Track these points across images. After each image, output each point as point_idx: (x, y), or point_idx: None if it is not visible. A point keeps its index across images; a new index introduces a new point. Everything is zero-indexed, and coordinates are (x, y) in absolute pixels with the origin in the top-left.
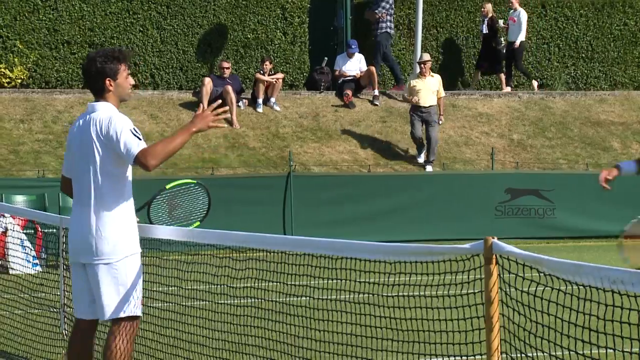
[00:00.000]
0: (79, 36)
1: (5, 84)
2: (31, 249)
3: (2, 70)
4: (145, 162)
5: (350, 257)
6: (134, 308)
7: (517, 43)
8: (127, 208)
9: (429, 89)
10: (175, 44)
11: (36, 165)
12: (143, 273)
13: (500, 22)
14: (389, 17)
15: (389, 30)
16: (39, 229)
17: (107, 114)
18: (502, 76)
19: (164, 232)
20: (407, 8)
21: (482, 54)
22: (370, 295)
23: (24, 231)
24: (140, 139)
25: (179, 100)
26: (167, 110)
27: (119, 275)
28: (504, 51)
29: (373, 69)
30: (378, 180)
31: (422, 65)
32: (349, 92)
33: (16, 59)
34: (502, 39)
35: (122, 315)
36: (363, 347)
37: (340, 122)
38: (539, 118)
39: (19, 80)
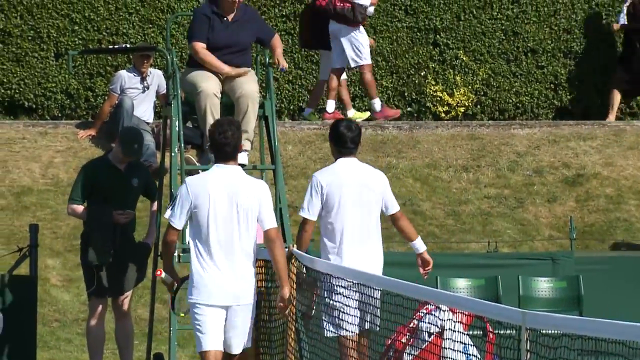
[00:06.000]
0: (549, 41)
1: (442, 114)
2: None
3: (439, 94)
4: (276, 238)
5: None
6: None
7: None
8: None
9: None
10: None
11: (484, 233)
12: None
13: None
14: None
15: None
16: (490, 329)
17: (263, 184)
18: None
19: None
20: None
21: (622, 59)
22: None
23: (468, 332)
24: None
25: None
26: None
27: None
28: None
29: None
30: None
31: None
32: None
33: (458, 78)
34: None
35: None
36: None
37: None
38: None
39: (462, 109)
